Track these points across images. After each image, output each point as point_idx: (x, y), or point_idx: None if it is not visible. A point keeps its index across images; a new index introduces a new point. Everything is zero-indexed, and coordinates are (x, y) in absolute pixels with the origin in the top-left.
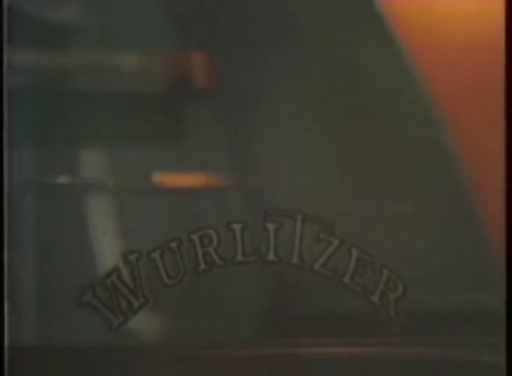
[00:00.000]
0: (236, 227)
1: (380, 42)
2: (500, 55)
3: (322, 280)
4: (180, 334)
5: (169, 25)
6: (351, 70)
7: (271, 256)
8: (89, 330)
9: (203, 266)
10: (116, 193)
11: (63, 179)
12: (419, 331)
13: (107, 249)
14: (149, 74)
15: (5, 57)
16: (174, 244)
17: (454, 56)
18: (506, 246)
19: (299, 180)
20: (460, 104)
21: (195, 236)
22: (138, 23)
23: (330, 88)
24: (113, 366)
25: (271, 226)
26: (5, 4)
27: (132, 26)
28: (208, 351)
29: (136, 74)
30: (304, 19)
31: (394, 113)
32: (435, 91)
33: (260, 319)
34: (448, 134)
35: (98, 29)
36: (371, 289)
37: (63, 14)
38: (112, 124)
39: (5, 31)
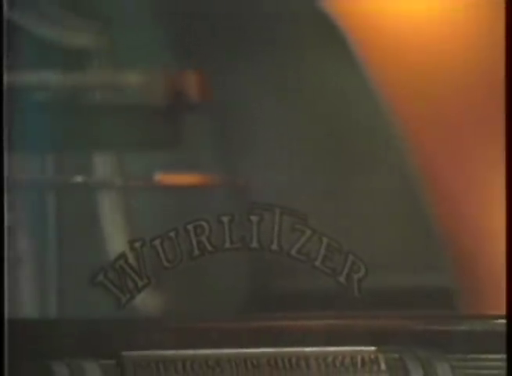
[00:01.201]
0: (225, 219)
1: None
2: (452, 53)
3: (297, 263)
4: (177, 308)
5: (167, 46)
6: (313, 81)
7: (254, 244)
8: (101, 306)
9: (196, 252)
10: (123, 191)
11: (79, 179)
12: (381, 306)
13: (116, 238)
14: (150, 89)
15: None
16: (172, 234)
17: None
18: (506, 246)
19: (277, 180)
20: (412, 104)
21: (190, 227)
22: (140, 46)
23: (298, 96)
24: (120, 336)
25: (254, 218)
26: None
27: (135, 49)
28: (201, 323)
29: (139, 90)
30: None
31: (351, 116)
32: (386, 90)
33: (245, 297)
34: (402, 136)
35: (106, 52)
36: (338, 271)
37: (78, 39)
38: (118, 132)
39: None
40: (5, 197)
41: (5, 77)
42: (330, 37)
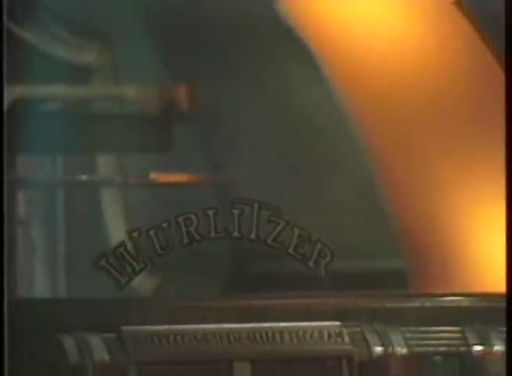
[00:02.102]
0: (210, 212)
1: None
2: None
3: (273, 250)
4: (169, 289)
5: (160, 64)
6: (285, 93)
7: (235, 233)
8: (104, 287)
9: (186, 241)
10: (122, 188)
11: (84, 178)
12: (344, 287)
13: (116, 228)
14: (145, 101)
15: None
16: (165, 225)
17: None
18: (506, 247)
19: (255, 179)
20: (372, 110)
21: (180, 219)
22: (137, 63)
23: (272, 108)
24: (120, 313)
25: (235, 212)
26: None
27: (133, 65)
28: (190, 302)
29: (136, 102)
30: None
31: (319, 124)
32: (350, 99)
33: (228, 279)
34: (364, 141)
35: (107, 68)
36: (308, 257)
37: (81, 57)
38: (118, 137)
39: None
40: (4, 196)
41: (19, 90)
42: (299, 54)
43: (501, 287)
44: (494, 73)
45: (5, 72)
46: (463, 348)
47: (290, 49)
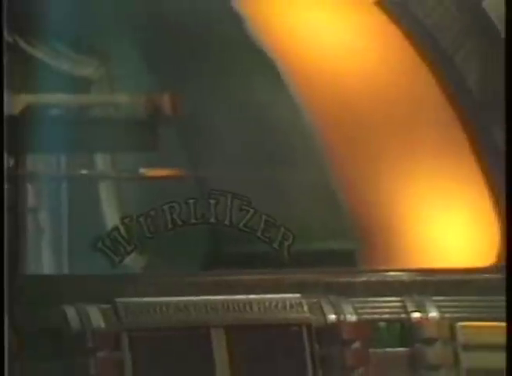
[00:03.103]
0: (191, 202)
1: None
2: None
3: (244, 234)
4: (156, 266)
5: (148, 76)
6: (253, 100)
7: (212, 219)
8: (100, 265)
9: (170, 226)
10: (116, 181)
11: (84, 172)
12: (304, 264)
13: (111, 215)
14: (136, 107)
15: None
16: (152, 212)
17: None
18: (506, 247)
19: (229, 173)
20: (328, 116)
21: (165, 207)
22: (129, 75)
23: (243, 112)
24: (114, 287)
25: (212, 201)
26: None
27: (125, 77)
28: (173, 278)
29: (128, 108)
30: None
31: (281, 126)
32: (309, 105)
33: (206, 258)
34: (321, 140)
35: (104, 80)
36: (273, 239)
37: (80, 70)
38: (113, 138)
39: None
40: (4, 194)
41: (29, 98)
42: (265, 67)
43: (434, 262)
44: (426, 78)
45: (17, 83)
46: (403, 315)
47: (256, 62)
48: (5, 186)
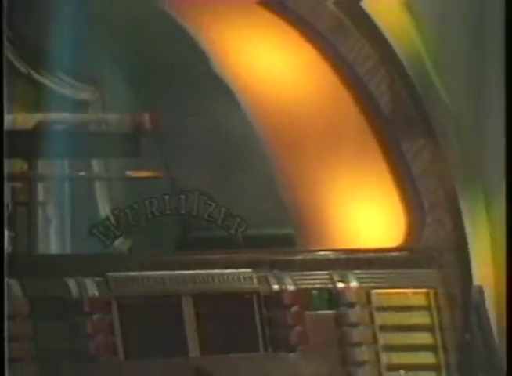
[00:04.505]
0: (166, 197)
1: None
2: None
3: (207, 223)
4: (139, 248)
5: (134, 99)
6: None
7: (183, 211)
8: (95, 246)
9: (150, 216)
10: (108, 180)
11: (82, 173)
12: (254, 246)
13: (103, 207)
14: (123, 123)
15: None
16: (136, 205)
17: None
18: (506, 247)
19: (196, 175)
20: (272, 126)
21: (146, 202)
22: (118, 99)
23: (208, 125)
24: (106, 263)
25: (183, 197)
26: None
27: (115, 100)
28: (152, 256)
29: (117, 124)
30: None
31: (237, 139)
32: (259, 120)
33: (178, 241)
34: (265, 144)
35: (98, 102)
36: (230, 226)
37: (80, 95)
38: (105, 147)
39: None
40: (4, 195)
41: (39, 116)
42: (225, 92)
43: (354, 243)
44: (348, 100)
45: (30, 104)
46: (330, 285)
47: (217, 87)
48: (19, 185)
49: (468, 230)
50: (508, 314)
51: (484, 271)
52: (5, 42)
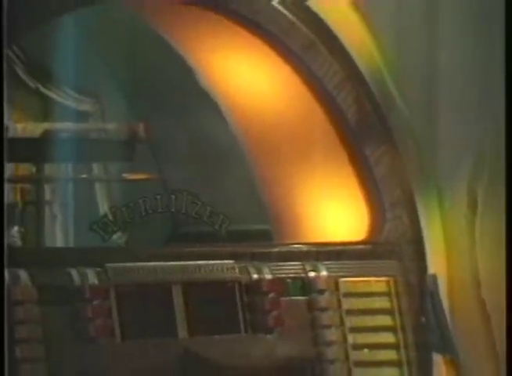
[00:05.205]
0: (158, 197)
1: None
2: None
3: (195, 219)
4: (134, 242)
5: (129, 111)
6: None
7: (173, 209)
8: (95, 240)
9: (143, 213)
10: (106, 182)
11: (84, 175)
12: (235, 240)
13: (102, 206)
14: (120, 131)
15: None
16: (131, 204)
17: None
18: (506, 248)
19: (185, 177)
20: (252, 135)
21: (140, 201)
22: (115, 110)
23: (195, 135)
24: (105, 255)
25: (173, 197)
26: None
27: (113, 112)
28: (146, 249)
29: (114, 132)
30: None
31: (221, 147)
32: (239, 128)
33: (169, 236)
34: (247, 151)
35: (98, 113)
36: (215, 222)
37: (82, 106)
38: (104, 152)
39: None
40: (4, 195)
41: (45, 125)
42: (210, 104)
43: (324, 237)
44: (318, 112)
45: (38, 115)
46: (303, 275)
47: (203, 100)
48: (28, 186)
49: (423, 225)
50: (508, 314)
51: (437, 261)
52: (17, 62)
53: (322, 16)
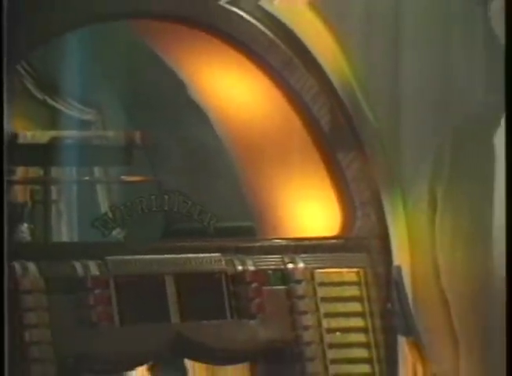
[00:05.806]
0: (153, 197)
1: None
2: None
3: (186, 217)
4: (132, 237)
5: (128, 120)
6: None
7: (166, 208)
8: (96, 236)
9: (140, 212)
10: (107, 183)
11: (86, 177)
12: (222, 235)
13: (103, 205)
14: (119, 138)
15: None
16: (129, 203)
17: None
18: (506, 246)
19: (176, 179)
20: (238, 142)
21: (137, 201)
22: (115, 120)
23: (188, 141)
24: (106, 249)
25: (166, 197)
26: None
27: (113, 121)
28: (142, 244)
29: (114, 139)
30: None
31: (211, 152)
32: (226, 135)
33: (163, 232)
34: (234, 157)
35: (99, 122)
36: (204, 220)
37: (85, 116)
38: (105, 157)
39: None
40: (4, 195)
41: (52, 133)
42: (200, 114)
43: (301, 233)
44: (296, 121)
45: (45, 124)
46: (282, 266)
47: (193, 110)
48: (37, 187)
49: (389, 222)
50: (508, 314)
51: (402, 254)
52: (27, 76)
53: (299, 34)
